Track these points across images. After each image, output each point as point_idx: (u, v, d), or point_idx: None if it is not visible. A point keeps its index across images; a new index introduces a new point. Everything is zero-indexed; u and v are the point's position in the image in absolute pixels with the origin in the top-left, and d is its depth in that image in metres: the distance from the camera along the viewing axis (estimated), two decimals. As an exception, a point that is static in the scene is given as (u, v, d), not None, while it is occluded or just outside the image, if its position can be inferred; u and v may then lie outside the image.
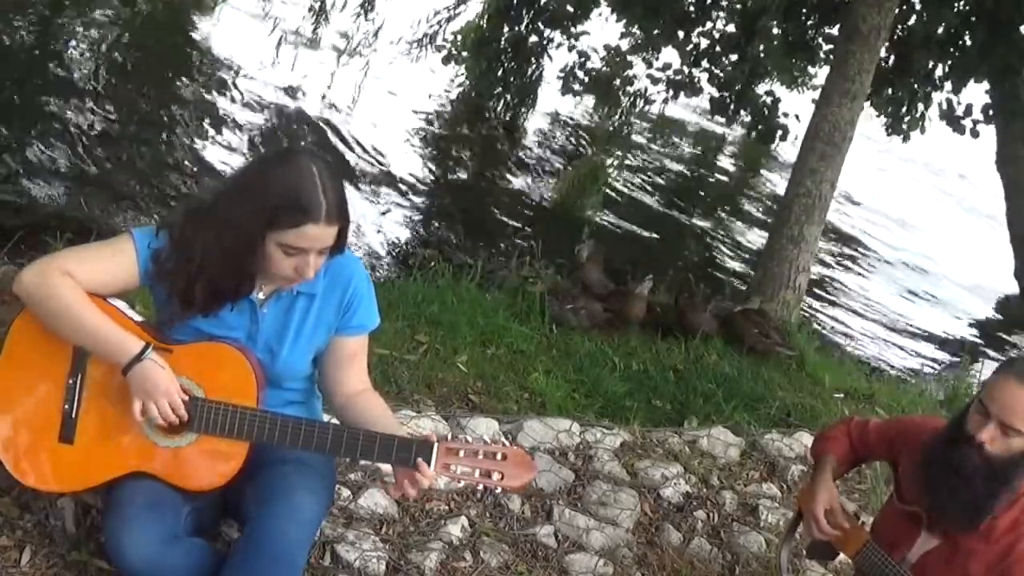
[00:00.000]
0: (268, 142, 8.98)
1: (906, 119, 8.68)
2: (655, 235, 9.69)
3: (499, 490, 2.22)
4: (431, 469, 2.16)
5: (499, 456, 2.19)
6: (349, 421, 2.31)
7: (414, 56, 10.02)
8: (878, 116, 8.93)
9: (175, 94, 9.43)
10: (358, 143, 9.78)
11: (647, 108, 9.47)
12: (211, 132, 8.88)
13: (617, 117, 9.16)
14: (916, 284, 11.11)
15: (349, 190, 2.28)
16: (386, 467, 2.92)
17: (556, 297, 5.36)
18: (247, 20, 10.89)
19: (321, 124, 9.91)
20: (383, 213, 8.58)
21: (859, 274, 10.83)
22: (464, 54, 10.42)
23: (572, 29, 9.97)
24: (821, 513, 2.73)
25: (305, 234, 2.12)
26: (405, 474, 2.21)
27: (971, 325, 10.44)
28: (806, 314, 7.57)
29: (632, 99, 9.18)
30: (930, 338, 9.60)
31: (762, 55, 8.63)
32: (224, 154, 8.54)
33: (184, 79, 9.85)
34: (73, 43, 9.57)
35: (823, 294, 9.45)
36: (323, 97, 10.09)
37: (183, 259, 2.20)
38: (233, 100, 9.71)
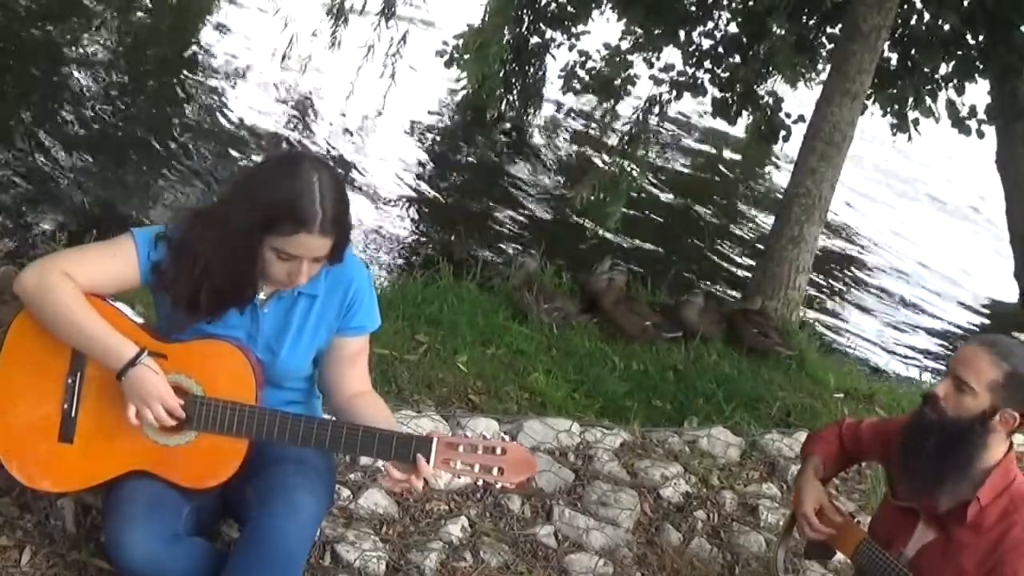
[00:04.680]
0: (274, 142, 8.97)
1: (912, 116, 8.66)
2: (655, 234, 9.68)
3: (499, 486, 2.22)
4: (430, 465, 2.17)
5: (499, 451, 2.19)
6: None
7: (422, 60, 10.02)
8: (884, 115, 8.90)
9: (181, 94, 9.42)
10: (360, 144, 9.78)
11: (652, 109, 9.44)
12: (216, 133, 8.87)
13: (632, 121, 9.11)
14: (916, 284, 11.09)
15: (350, 191, 2.28)
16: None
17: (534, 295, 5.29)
18: (256, 20, 10.90)
19: (326, 125, 9.92)
20: (385, 204, 8.58)
21: (859, 273, 10.82)
22: (466, 57, 10.41)
23: (573, 29, 9.95)
24: (812, 513, 2.74)
25: (298, 242, 2.14)
26: (401, 470, 2.21)
27: (972, 325, 10.43)
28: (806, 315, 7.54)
29: (646, 104, 9.14)
30: (931, 338, 9.60)
31: (764, 56, 8.61)
32: (229, 155, 8.54)
33: (192, 79, 9.85)
34: (76, 42, 9.57)
35: (823, 294, 9.44)
36: (333, 99, 10.07)
37: (185, 264, 2.20)
38: (240, 100, 9.71)
